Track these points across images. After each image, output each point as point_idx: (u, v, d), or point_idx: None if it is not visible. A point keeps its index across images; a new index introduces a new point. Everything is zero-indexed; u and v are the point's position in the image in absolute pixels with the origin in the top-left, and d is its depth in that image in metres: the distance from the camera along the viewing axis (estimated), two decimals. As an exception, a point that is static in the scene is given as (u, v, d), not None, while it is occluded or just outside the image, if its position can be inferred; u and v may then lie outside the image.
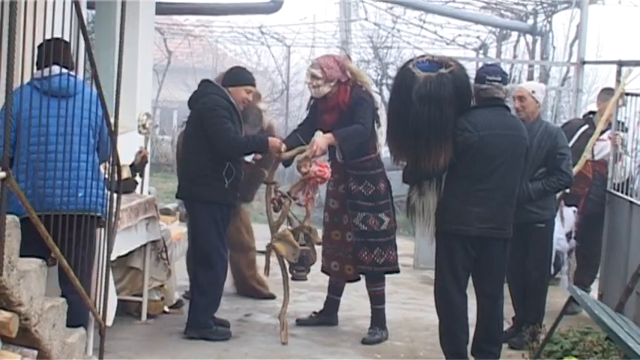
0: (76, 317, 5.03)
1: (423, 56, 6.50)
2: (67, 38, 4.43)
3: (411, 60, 6.42)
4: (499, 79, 6.30)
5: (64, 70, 5.23)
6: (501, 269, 6.42)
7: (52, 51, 4.93)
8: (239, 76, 7.19)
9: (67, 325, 4.76)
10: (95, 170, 5.38)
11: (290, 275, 7.30)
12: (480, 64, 9.88)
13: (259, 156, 7.77)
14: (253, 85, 7.25)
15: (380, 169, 7.31)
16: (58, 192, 5.12)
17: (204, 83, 7.17)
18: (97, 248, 5.31)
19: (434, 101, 6.07)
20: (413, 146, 6.21)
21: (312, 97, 7.43)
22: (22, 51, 3.99)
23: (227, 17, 20.24)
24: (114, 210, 5.36)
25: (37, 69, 5.13)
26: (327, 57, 7.53)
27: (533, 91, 7.16)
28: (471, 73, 6.58)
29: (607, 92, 8.73)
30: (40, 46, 4.93)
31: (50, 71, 5.15)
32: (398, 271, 7.53)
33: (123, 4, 5.35)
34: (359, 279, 7.51)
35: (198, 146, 6.95)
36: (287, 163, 7.44)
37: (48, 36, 4.57)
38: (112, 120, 5.50)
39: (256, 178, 8.11)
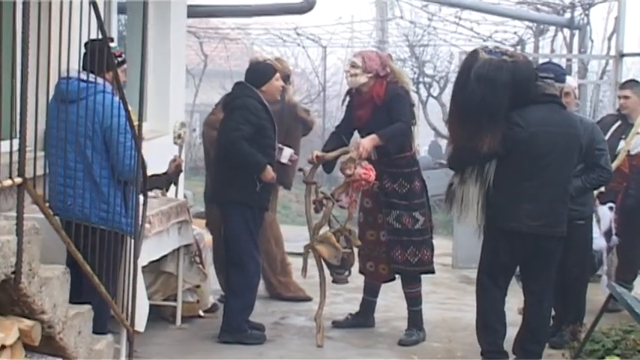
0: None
1: (497, 47, 6.61)
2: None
3: (486, 46, 6.47)
4: (551, 76, 6.32)
5: (76, 74, 5.10)
6: (550, 268, 6.37)
7: (88, 53, 4.92)
8: (265, 72, 7.12)
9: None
10: (91, 180, 5.25)
11: (331, 278, 7.22)
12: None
13: (296, 156, 7.68)
14: (277, 70, 7.21)
15: (415, 168, 7.23)
16: (55, 197, 5.08)
17: (238, 86, 7.12)
18: (112, 255, 5.19)
19: (489, 83, 6.05)
20: (464, 125, 6.24)
21: (347, 93, 7.37)
22: (37, 52, 3.92)
23: (263, 19, 20.19)
24: (140, 215, 5.27)
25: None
26: (370, 50, 7.52)
27: (575, 87, 7.05)
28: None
29: (630, 84, 8.55)
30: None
31: (59, 73, 5.05)
32: (432, 272, 7.40)
33: (145, 5, 5.27)
34: (394, 279, 7.41)
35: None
36: (329, 168, 7.39)
37: (70, 38, 4.54)
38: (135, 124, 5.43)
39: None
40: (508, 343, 6.56)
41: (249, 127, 6.78)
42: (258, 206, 6.99)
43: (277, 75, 7.13)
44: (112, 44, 5.59)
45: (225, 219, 7.09)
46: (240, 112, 6.84)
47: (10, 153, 3.53)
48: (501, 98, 6.08)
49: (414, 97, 8.75)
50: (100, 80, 5.31)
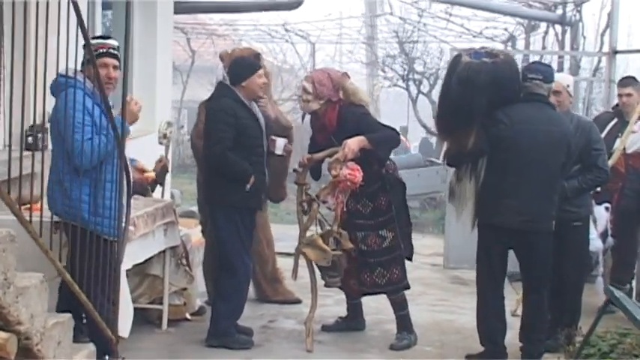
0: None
1: (483, 47, 6.81)
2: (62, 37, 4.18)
3: (472, 48, 6.67)
4: (540, 77, 6.39)
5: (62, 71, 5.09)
6: (541, 263, 6.47)
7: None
8: (245, 68, 6.86)
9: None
10: (55, 172, 5.21)
11: (323, 282, 7.06)
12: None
13: (290, 147, 7.45)
14: (260, 67, 6.90)
15: (379, 183, 6.94)
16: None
17: (218, 85, 6.99)
18: (88, 256, 5.03)
19: (468, 86, 6.26)
20: (448, 126, 6.52)
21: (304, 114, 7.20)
22: (24, 51, 3.76)
23: (251, 15, 20.05)
24: (123, 218, 5.08)
25: None
26: (322, 72, 7.21)
27: (567, 85, 6.91)
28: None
29: (630, 82, 8.38)
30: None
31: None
32: (406, 288, 7.13)
33: (127, 4, 5.10)
34: (363, 296, 7.28)
35: None
36: (316, 175, 7.22)
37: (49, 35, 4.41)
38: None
39: (282, 176, 7.87)
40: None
41: (229, 132, 6.59)
42: (247, 207, 6.78)
43: (260, 72, 6.84)
44: (110, 41, 5.62)
45: (214, 222, 6.92)
46: (218, 115, 6.65)
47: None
48: (479, 100, 6.25)
49: (404, 94, 8.54)
50: (79, 77, 5.25)
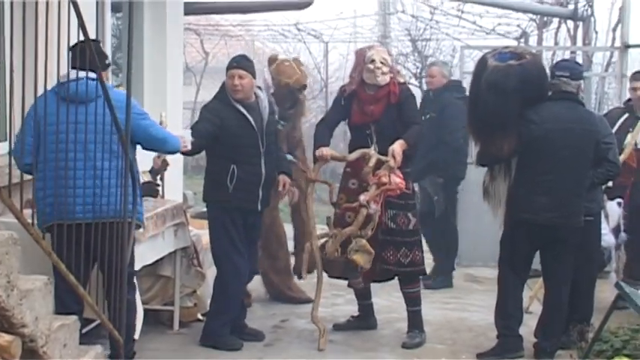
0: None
1: (507, 47, 6.97)
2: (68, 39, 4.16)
3: (495, 49, 6.68)
4: (567, 74, 6.45)
5: (83, 74, 4.98)
6: (566, 257, 6.55)
7: (79, 53, 4.79)
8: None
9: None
10: (121, 176, 5.16)
11: (347, 283, 7.10)
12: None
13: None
14: (234, 67, 6.68)
15: (409, 169, 7.09)
16: (79, 200, 5.14)
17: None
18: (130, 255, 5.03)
19: (499, 91, 6.28)
20: (481, 131, 6.55)
21: (342, 88, 7.16)
22: (36, 53, 3.76)
23: (264, 16, 20.00)
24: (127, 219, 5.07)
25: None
26: (381, 46, 7.40)
27: None
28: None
29: (636, 76, 8.35)
30: (71, 48, 4.81)
31: (68, 76, 4.95)
32: (424, 273, 7.25)
33: (130, 5, 5.09)
34: (384, 280, 7.22)
35: (208, 149, 6.78)
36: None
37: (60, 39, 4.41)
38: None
39: None
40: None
41: (207, 124, 6.60)
42: (232, 207, 6.68)
43: (231, 72, 6.66)
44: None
45: (208, 219, 6.97)
46: (200, 114, 6.80)
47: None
48: (511, 105, 6.30)
49: (417, 92, 8.58)
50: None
